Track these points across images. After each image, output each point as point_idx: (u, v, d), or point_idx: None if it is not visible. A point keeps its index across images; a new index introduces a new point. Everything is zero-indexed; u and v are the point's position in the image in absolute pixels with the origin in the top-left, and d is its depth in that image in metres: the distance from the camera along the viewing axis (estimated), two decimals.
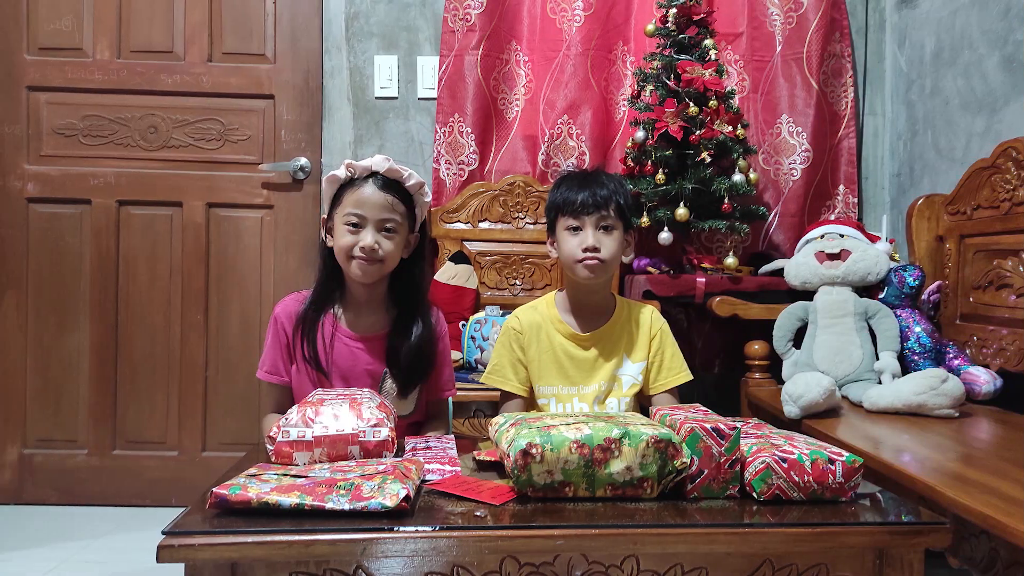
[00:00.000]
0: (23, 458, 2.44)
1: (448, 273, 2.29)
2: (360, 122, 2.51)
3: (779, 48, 2.45)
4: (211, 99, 2.47)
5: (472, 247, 2.39)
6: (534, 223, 2.39)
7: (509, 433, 1.02)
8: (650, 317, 1.52)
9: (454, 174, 2.44)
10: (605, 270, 1.43)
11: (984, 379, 1.75)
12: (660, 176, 2.12)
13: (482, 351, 2.13)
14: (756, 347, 2.06)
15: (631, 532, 0.89)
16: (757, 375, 2.06)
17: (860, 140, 2.53)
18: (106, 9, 2.44)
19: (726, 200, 2.12)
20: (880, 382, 1.80)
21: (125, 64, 2.45)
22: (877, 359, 1.85)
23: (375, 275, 1.38)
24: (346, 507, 0.89)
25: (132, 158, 2.46)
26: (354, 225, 1.35)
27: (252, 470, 0.99)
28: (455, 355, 2.07)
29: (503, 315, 2.15)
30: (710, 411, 1.10)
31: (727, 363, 2.46)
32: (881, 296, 1.97)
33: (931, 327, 1.90)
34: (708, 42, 2.19)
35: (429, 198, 1.47)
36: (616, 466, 0.96)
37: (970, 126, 2.10)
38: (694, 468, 0.99)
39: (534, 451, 0.95)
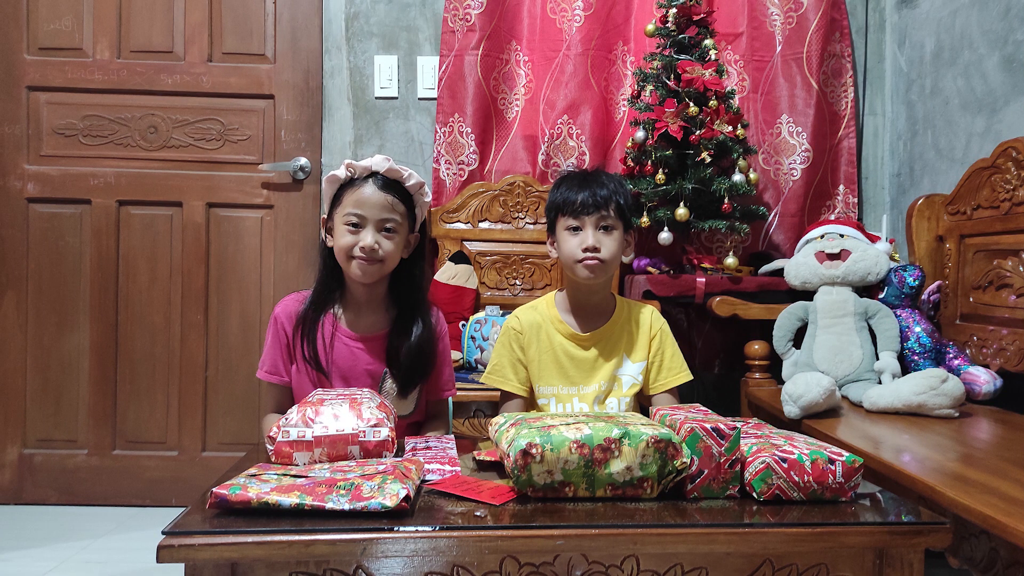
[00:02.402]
0: (23, 458, 2.44)
1: (448, 273, 2.29)
2: (360, 122, 2.51)
3: (779, 48, 2.45)
4: (211, 99, 2.47)
5: (472, 247, 2.39)
6: (534, 223, 2.39)
7: (509, 433, 1.02)
8: (650, 317, 1.52)
9: (454, 174, 2.44)
10: (605, 270, 1.43)
11: (984, 379, 1.75)
12: (660, 176, 2.12)
13: (482, 351, 2.13)
14: (756, 347, 2.06)
15: (631, 532, 0.89)
16: (757, 375, 2.06)
17: (860, 140, 2.53)
18: (106, 9, 2.44)
19: (726, 200, 2.12)
20: (880, 382, 1.80)
21: (125, 64, 2.45)
22: (877, 359, 1.86)
23: (375, 275, 1.38)
24: (346, 507, 0.89)
25: (132, 158, 2.47)
26: (354, 225, 1.35)
27: (252, 470, 0.98)
28: (455, 355, 2.07)
29: (503, 315, 2.15)
30: (710, 411, 1.10)
31: (727, 363, 2.46)
32: (881, 296, 1.97)
33: (931, 327, 1.90)
34: (708, 42, 2.19)
35: (429, 198, 1.47)
36: (616, 466, 0.96)
37: (970, 126, 2.10)
38: (694, 468, 0.99)
39: (534, 451, 0.95)
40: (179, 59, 2.47)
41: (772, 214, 2.45)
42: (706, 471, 0.99)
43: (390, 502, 0.89)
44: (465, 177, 2.44)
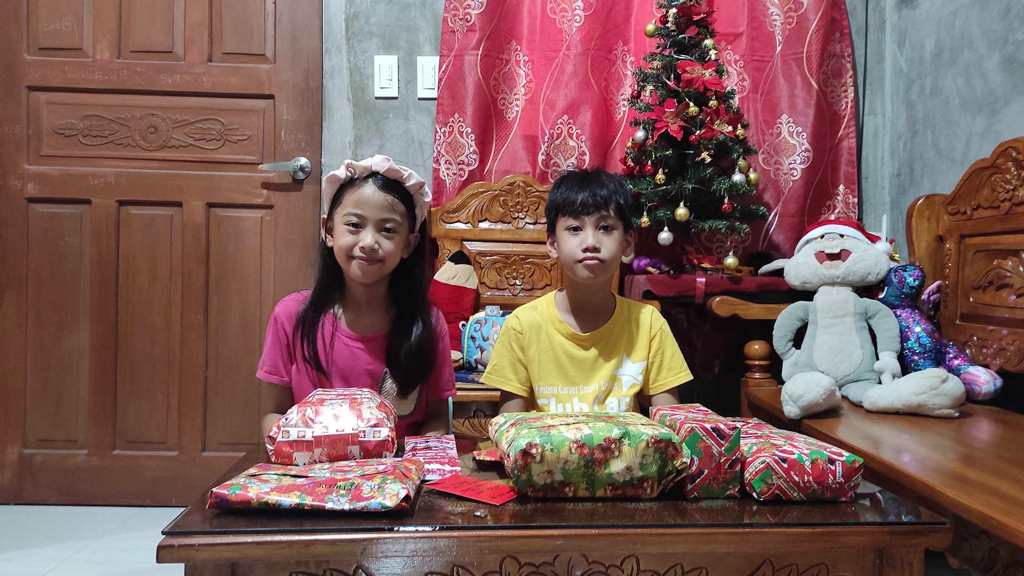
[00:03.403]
0: (23, 458, 2.44)
1: (448, 273, 2.29)
2: (360, 122, 2.51)
3: (779, 48, 2.45)
4: (211, 99, 2.47)
5: (472, 247, 2.39)
6: (534, 223, 2.39)
7: (509, 433, 1.02)
8: (650, 317, 1.52)
9: (454, 174, 2.44)
10: (605, 270, 1.43)
11: (984, 379, 1.75)
12: (660, 176, 2.12)
13: (482, 351, 2.13)
14: (756, 347, 2.06)
15: (631, 532, 0.89)
16: (757, 375, 2.06)
17: (860, 140, 2.53)
18: (106, 9, 2.44)
19: (726, 200, 2.12)
20: (880, 382, 1.80)
21: (125, 64, 2.45)
22: (877, 359, 1.86)
23: (375, 275, 1.38)
24: (346, 507, 0.89)
25: (132, 158, 2.47)
26: (354, 225, 1.35)
27: (252, 470, 0.99)
28: (455, 355, 2.07)
29: (503, 315, 2.15)
30: (710, 411, 1.10)
31: (727, 363, 2.46)
32: (881, 296, 1.97)
33: (931, 327, 1.90)
34: (708, 42, 2.19)
35: (429, 198, 1.47)
36: (616, 466, 0.96)
37: (970, 126, 2.10)
38: (694, 468, 0.99)
39: (534, 451, 0.95)
40: (179, 59, 2.47)
41: (772, 214, 2.45)
42: (706, 471, 0.99)
43: (390, 502, 0.89)
44: (465, 177, 2.44)
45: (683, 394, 1.53)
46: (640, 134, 2.18)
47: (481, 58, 2.42)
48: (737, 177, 2.13)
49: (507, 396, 1.50)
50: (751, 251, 2.44)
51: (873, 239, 2.10)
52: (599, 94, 2.45)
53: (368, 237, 1.35)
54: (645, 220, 2.15)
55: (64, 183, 2.45)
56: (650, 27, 2.25)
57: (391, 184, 1.38)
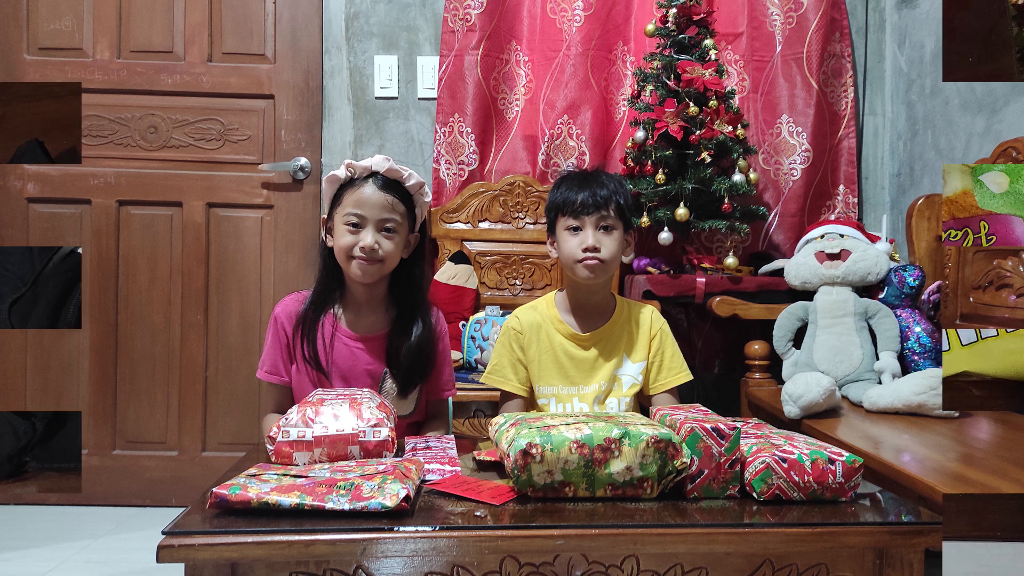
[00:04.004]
0: None
1: (448, 273, 2.29)
2: (360, 122, 2.51)
3: (779, 48, 2.45)
4: (211, 99, 2.47)
5: (472, 247, 2.39)
6: (534, 223, 2.39)
7: (509, 433, 1.02)
8: (650, 317, 1.52)
9: (454, 174, 2.44)
10: (605, 270, 1.43)
11: None
12: (660, 176, 2.12)
13: (482, 351, 2.13)
14: (756, 347, 2.06)
15: (631, 532, 0.89)
16: (757, 375, 2.06)
17: (860, 140, 2.53)
18: (106, 9, 2.44)
19: (726, 200, 2.12)
20: (880, 382, 1.80)
21: (125, 64, 2.45)
22: (877, 359, 1.86)
23: (375, 275, 1.38)
24: (346, 507, 0.89)
25: (132, 158, 2.47)
26: (354, 225, 1.36)
27: (252, 470, 0.99)
28: (455, 355, 2.07)
29: (503, 315, 2.15)
30: (710, 411, 1.10)
31: (727, 363, 2.46)
32: (881, 296, 1.97)
33: (931, 327, 1.90)
34: (708, 42, 2.19)
35: (429, 198, 1.47)
36: (616, 466, 0.96)
37: (970, 126, 2.10)
38: (694, 468, 0.99)
39: (534, 451, 0.95)
40: (179, 59, 2.47)
41: (772, 214, 2.45)
42: (706, 471, 0.99)
43: (390, 502, 0.89)
44: (465, 177, 2.44)
45: (683, 394, 1.53)
46: (640, 134, 2.18)
47: (481, 58, 2.42)
48: (737, 177, 2.13)
49: (507, 396, 1.50)
50: (751, 251, 2.44)
51: (873, 239, 2.10)
52: (599, 94, 2.45)
53: (368, 237, 1.35)
54: (645, 220, 2.15)
55: (64, 183, 2.45)
56: (650, 27, 2.25)
57: (391, 184, 1.38)
